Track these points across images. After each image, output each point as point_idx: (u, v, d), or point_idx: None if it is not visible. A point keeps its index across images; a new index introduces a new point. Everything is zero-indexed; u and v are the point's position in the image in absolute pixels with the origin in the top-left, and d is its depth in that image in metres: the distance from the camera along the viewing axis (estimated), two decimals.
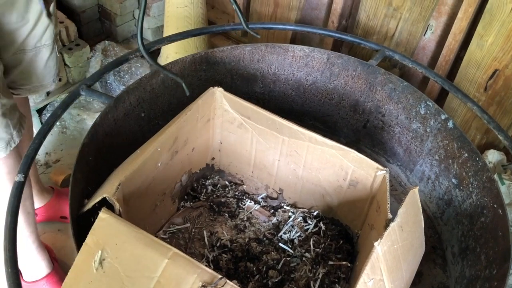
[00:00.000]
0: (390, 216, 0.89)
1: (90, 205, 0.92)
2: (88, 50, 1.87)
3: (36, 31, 1.09)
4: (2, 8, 0.99)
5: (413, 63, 1.36)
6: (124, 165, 0.98)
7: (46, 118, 1.87)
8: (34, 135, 1.05)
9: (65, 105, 1.17)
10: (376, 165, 1.01)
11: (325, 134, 1.52)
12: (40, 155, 1.81)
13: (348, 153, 1.05)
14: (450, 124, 1.22)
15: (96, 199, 0.90)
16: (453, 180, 1.23)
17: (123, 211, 0.91)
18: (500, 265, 0.97)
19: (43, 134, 1.10)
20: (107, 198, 0.88)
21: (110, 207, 0.88)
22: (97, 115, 1.84)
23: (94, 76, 1.24)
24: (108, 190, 0.89)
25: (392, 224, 0.86)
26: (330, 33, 1.43)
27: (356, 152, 1.03)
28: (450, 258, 1.23)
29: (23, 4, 1.02)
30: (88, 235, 0.81)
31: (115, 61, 1.29)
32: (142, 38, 0.94)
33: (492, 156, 1.51)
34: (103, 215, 0.83)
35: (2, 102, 1.00)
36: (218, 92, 1.13)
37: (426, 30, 1.65)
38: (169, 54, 1.95)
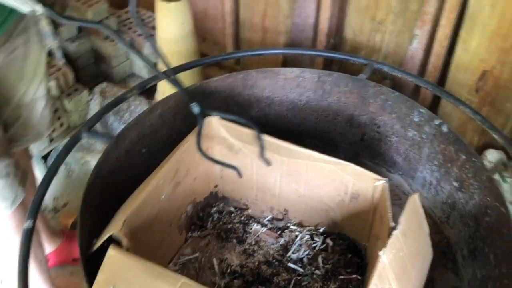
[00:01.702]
0: (392, 224, 0.91)
1: (98, 243, 0.94)
2: (87, 94, 1.92)
3: (33, 85, 1.14)
4: (3, 69, 1.04)
5: (402, 73, 1.39)
6: (128, 201, 1.00)
7: (50, 165, 1.91)
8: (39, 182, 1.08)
9: (67, 150, 1.21)
10: (374, 176, 1.03)
11: (324, 151, 1.54)
12: (48, 201, 1.84)
13: (346, 167, 1.07)
14: (444, 128, 1.24)
15: (104, 237, 0.92)
16: (454, 183, 1.25)
17: (131, 246, 0.92)
18: (509, 263, 0.98)
19: (48, 180, 1.13)
20: (114, 235, 0.90)
21: (119, 244, 0.90)
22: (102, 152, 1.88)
23: (93, 118, 1.28)
24: (114, 227, 0.91)
25: (395, 232, 0.88)
26: (318, 53, 1.47)
27: (353, 165, 1.05)
28: (461, 261, 1.23)
29: (20, 62, 1.07)
30: (99, 273, 0.83)
31: (112, 101, 1.33)
32: None
33: (492, 156, 1.53)
34: (112, 251, 0.85)
35: (4, 164, 1.03)
36: (214, 120, 1.16)
37: (412, 40, 1.69)
38: (165, 89, 2.00)
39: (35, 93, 1.16)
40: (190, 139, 1.10)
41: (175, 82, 1.03)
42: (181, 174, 1.12)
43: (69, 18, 0.91)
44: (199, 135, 1.07)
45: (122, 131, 1.19)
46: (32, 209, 1.03)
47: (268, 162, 1.11)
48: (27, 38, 1.07)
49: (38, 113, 1.19)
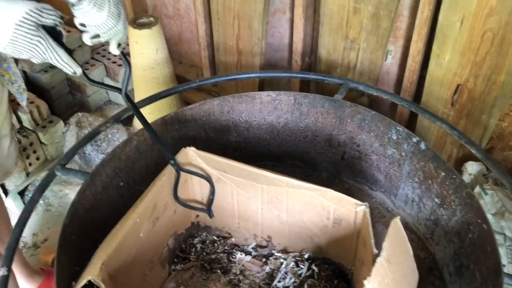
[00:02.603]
0: (375, 251, 0.90)
1: None
2: (62, 125, 1.89)
3: None
4: None
5: (377, 91, 1.39)
6: (105, 243, 0.97)
7: (28, 199, 1.86)
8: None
9: (42, 188, 1.17)
10: (354, 201, 1.02)
11: (305, 171, 1.55)
12: (27, 237, 1.79)
13: (325, 192, 1.05)
14: (422, 146, 1.24)
15: (82, 282, 0.89)
16: (436, 200, 1.24)
17: None
18: (494, 280, 0.97)
19: (22, 222, 1.09)
20: (92, 280, 0.87)
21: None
22: (79, 188, 1.85)
23: (68, 154, 1.25)
24: (91, 272, 0.88)
25: (379, 259, 0.87)
26: (293, 75, 1.46)
27: (332, 191, 1.04)
28: (448, 277, 1.23)
29: None
30: None
31: (87, 136, 1.31)
32: None
33: (472, 168, 1.53)
34: None
35: None
36: (191, 152, 1.15)
37: (387, 56, 1.70)
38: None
39: None
40: (167, 173, 1.08)
41: (157, 139, 1.08)
42: (160, 209, 1.10)
43: (96, 82, 0.99)
44: (176, 185, 1.12)
45: (97, 168, 1.16)
46: (7, 256, 1.00)
47: (212, 216, 1.24)
48: None
49: (5, 151, 1.16)
